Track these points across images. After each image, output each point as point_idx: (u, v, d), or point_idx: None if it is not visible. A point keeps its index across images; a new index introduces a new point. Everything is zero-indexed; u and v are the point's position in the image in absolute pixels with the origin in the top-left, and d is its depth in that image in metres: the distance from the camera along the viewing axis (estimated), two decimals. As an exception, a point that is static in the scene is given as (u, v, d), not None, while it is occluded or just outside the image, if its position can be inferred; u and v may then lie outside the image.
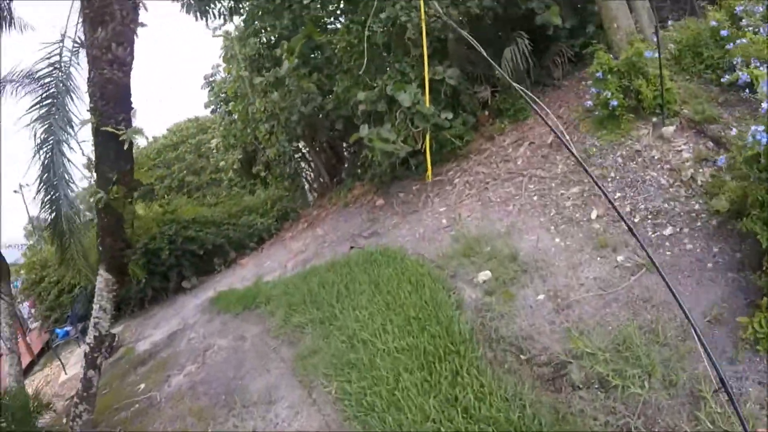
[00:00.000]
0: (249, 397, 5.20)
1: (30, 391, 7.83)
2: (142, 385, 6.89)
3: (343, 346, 4.94)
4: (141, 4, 5.36)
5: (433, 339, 4.29)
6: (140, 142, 6.32)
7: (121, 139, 5.15)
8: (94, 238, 6.39)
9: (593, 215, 5.14)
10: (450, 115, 7.98)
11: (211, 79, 14.23)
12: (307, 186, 14.33)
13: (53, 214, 6.71)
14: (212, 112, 14.78)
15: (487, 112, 8.67)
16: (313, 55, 11.09)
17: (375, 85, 8.41)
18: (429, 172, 7.89)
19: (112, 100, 5.23)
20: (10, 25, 7.36)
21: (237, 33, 11.86)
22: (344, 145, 12.01)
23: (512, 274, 4.83)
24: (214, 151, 15.54)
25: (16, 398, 6.02)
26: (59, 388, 8.62)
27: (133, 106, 5.51)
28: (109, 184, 5.26)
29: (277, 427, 4.55)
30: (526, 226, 5.58)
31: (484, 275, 4.98)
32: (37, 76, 6.52)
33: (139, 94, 5.74)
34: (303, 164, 14.11)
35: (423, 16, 7.73)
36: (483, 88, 8.63)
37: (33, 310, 13.06)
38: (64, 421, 6.07)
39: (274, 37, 11.09)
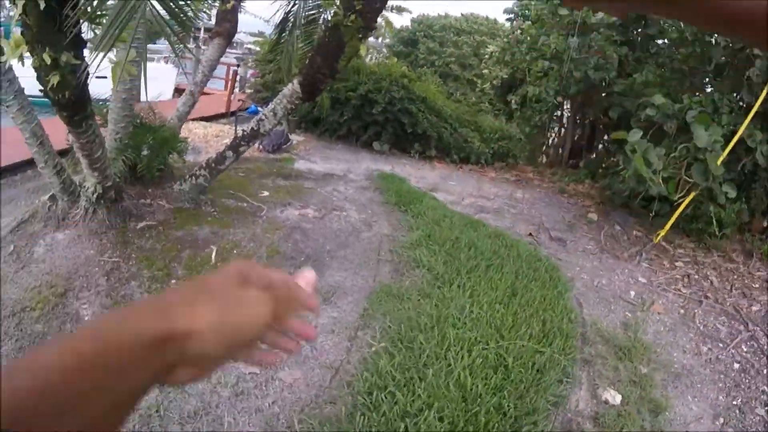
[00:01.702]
0: (318, 278, 4.73)
1: (186, 134, 8.37)
2: (266, 193, 6.91)
3: (423, 322, 4.08)
4: None
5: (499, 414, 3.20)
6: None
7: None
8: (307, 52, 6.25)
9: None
10: (732, 193, 6.09)
11: (526, -12, 13.04)
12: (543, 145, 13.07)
13: (288, 5, 6.73)
14: (508, 20, 13.74)
15: (766, 223, 6.58)
16: (635, 26, 9.26)
17: (680, 99, 6.71)
18: (662, 233, 6.27)
19: None
20: None
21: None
22: (605, 136, 10.40)
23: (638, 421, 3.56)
24: (487, 57, 14.67)
25: (166, 130, 6.26)
26: (220, 146, 9.08)
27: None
28: (351, 10, 4.91)
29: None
30: (700, 390, 4.09)
31: (613, 396, 3.73)
32: None
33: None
34: (555, 124, 12.76)
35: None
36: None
37: (253, 80, 14.01)
38: (186, 173, 6.24)
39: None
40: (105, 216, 4.92)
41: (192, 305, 0.46)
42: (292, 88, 5.64)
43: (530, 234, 6.83)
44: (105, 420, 0.42)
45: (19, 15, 3.35)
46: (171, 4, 3.55)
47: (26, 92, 4.39)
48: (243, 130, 5.99)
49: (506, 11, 13.98)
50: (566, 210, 8.12)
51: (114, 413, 0.43)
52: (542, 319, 4.36)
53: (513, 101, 12.29)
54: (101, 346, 0.42)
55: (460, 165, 11.39)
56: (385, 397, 3.22)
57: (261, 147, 9.73)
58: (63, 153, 5.55)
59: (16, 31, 3.64)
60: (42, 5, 3.19)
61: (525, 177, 10.69)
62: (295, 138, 10.96)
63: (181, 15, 3.69)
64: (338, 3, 5.29)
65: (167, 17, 3.83)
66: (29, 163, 6.01)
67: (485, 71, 14.91)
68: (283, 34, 7.28)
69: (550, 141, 12.88)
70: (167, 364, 0.45)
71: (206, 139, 10.38)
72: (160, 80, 13.57)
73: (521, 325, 4.22)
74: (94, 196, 4.81)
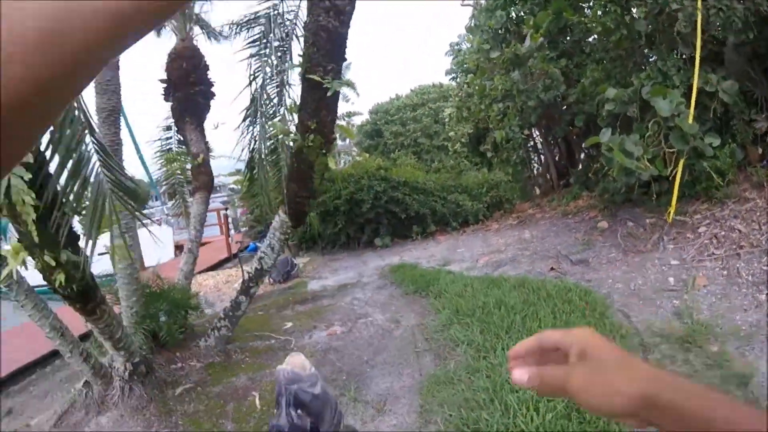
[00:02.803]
0: (365, 392, 4.61)
1: (196, 289, 8.50)
2: (290, 324, 6.84)
3: (481, 398, 3.91)
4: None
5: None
6: (351, 96, 6.33)
7: (324, 87, 4.99)
8: (279, 177, 6.62)
9: None
10: (716, 142, 6.05)
11: (456, 48, 13.70)
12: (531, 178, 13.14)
13: (249, 145, 6.97)
14: (452, 80, 14.32)
15: (760, 150, 6.47)
16: (561, 38, 9.61)
17: (629, 83, 6.83)
18: (672, 209, 6.15)
19: (324, 49, 5.05)
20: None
21: (485, 3, 10.96)
22: (582, 145, 10.48)
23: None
24: (447, 120, 15.12)
25: (176, 292, 6.36)
26: (232, 292, 9.07)
27: (346, 58, 5.33)
28: (307, 131, 5.18)
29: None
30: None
31: (697, 388, 3.49)
32: (257, 15, 6.71)
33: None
34: (533, 155, 12.92)
35: (699, 5, 5.94)
36: (763, 117, 6.39)
37: (244, 218, 14.35)
38: (207, 327, 6.27)
39: (525, 12, 9.91)
40: (141, 391, 4.90)
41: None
42: (279, 219, 5.79)
43: (552, 268, 6.69)
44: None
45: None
46: (120, 192, 3.78)
47: (34, 282, 4.44)
48: (248, 272, 6.08)
49: (447, 72, 14.65)
50: (576, 230, 8.01)
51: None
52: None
53: (486, 150, 12.47)
54: None
55: (462, 230, 11.38)
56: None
57: (271, 280, 9.78)
58: (85, 336, 5.66)
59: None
60: (32, 216, 3.34)
61: (526, 215, 10.65)
62: (300, 261, 11.07)
63: (136, 191, 3.93)
64: (294, 129, 5.58)
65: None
66: (55, 354, 6.10)
67: (451, 133, 15.28)
68: (255, 172, 7.54)
69: (536, 172, 12.96)
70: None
71: (218, 288, 10.47)
72: (158, 243, 13.79)
73: (575, 360, 4.02)
74: (126, 374, 4.83)
